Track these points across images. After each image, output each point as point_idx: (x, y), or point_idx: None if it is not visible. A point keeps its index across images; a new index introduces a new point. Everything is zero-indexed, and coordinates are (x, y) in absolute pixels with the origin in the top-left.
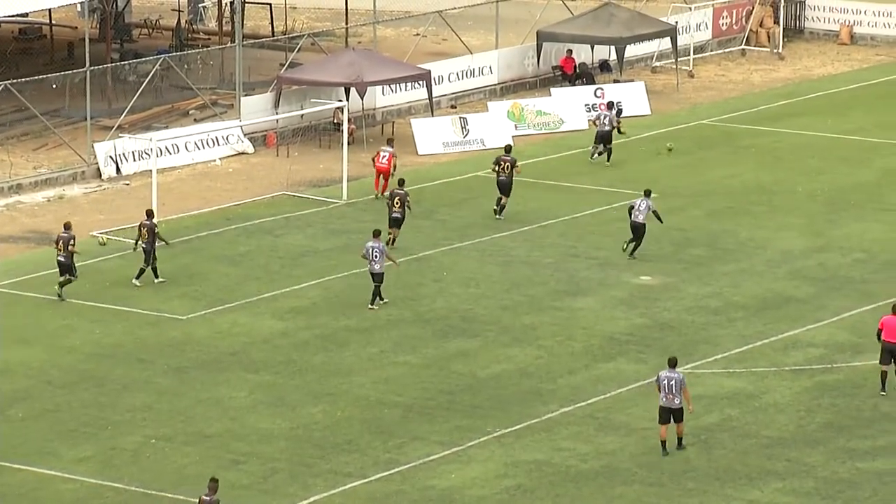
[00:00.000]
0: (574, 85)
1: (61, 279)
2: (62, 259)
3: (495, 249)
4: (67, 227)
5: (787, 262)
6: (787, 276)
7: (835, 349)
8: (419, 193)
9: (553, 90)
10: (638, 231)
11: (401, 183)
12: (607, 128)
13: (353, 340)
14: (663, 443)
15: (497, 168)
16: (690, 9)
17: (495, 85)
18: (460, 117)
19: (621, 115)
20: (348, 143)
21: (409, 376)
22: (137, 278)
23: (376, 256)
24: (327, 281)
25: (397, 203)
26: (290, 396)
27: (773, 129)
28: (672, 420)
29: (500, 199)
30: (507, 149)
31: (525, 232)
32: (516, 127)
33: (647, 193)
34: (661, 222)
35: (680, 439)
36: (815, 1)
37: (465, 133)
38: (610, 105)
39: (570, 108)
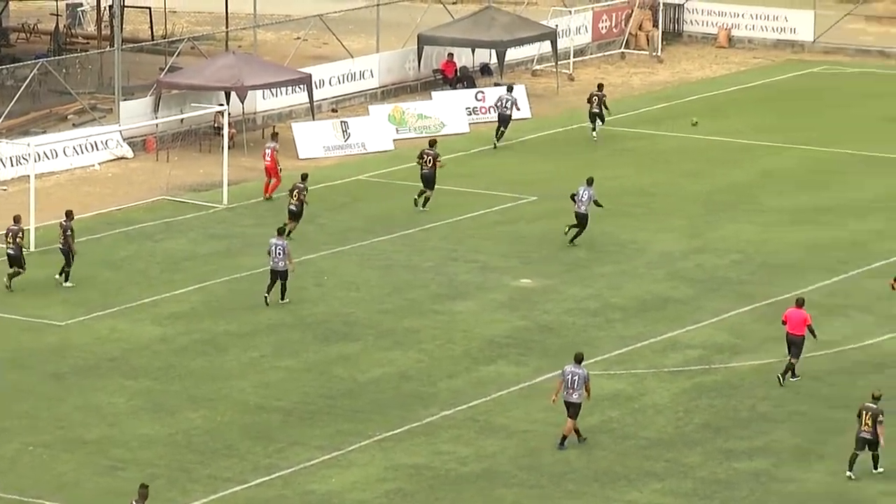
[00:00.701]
0: (455, 88)
1: (10, 271)
2: (11, 252)
3: (376, 254)
4: (17, 220)
5: (665, 264)
6: (666, 277)
7: (713, 350)
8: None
9: (434, 94)
10: (581, 220)
11: (303, 177)
12: (508, 112)
13: (234, 345)
14: (577, 432)
15: (420, 161)
16: (570, 12)
17: (376, 89)
18: (341, 121)
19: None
20: (228, 148)
21: (290, 381)
22: (63, 277)
23: (279, 254)
24: (208, 286)
25: (295, 196)
26: (170, 402)
27: (652, 132)
28: (575, 414)
29: (424, 191)
30: (431, 143)
31: (406, 236)
32: (397, 130)
33: (590, 182)
34: (601, 207)
35: (565, 437)
36: (694, 4)
37: (346, 137)
38: (510, 88)
39: (451, 111)
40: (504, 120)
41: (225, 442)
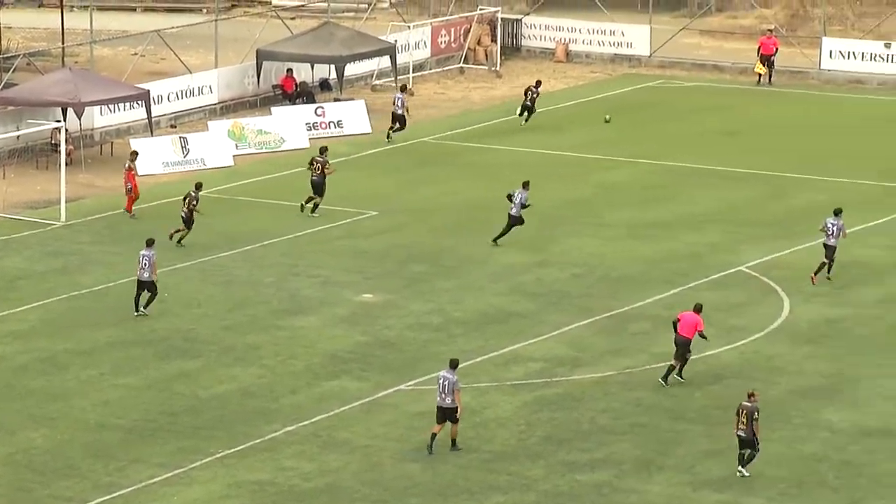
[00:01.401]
0: (294, 104)
1: None
2: None
3: (216, 269)
4: None
5: (507, 278)
6: (508, 291)
7: (554, 363)
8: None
9: (273, 109)
10: (511, 221)
11: (198, 186)
12: (399, 111)
13: (74, 363)
14: (433, 436)
15: (310, 167)
16: (409, 27)
17: (215, 104)
18: (180, 137)
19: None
20: (66, 164)
21: (131, 398)
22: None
23: (145, 265)
24: (46, 304)
25: (186, 203)
26: (9, 421)
27: (491, 147)
28: (446, 419)
29: (313, 198)
30: (322, 150)
31: (246, 252)
32: (237, 146)
33: (525, 185)
34: (529, 205)
35: (454, 440)
36: (532, 19)
37: (185, 153)
38: (403, 88)
39: (291, 127)
40: (396, 118)
41: (66, 461)
